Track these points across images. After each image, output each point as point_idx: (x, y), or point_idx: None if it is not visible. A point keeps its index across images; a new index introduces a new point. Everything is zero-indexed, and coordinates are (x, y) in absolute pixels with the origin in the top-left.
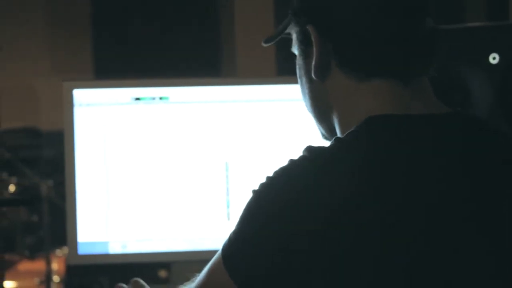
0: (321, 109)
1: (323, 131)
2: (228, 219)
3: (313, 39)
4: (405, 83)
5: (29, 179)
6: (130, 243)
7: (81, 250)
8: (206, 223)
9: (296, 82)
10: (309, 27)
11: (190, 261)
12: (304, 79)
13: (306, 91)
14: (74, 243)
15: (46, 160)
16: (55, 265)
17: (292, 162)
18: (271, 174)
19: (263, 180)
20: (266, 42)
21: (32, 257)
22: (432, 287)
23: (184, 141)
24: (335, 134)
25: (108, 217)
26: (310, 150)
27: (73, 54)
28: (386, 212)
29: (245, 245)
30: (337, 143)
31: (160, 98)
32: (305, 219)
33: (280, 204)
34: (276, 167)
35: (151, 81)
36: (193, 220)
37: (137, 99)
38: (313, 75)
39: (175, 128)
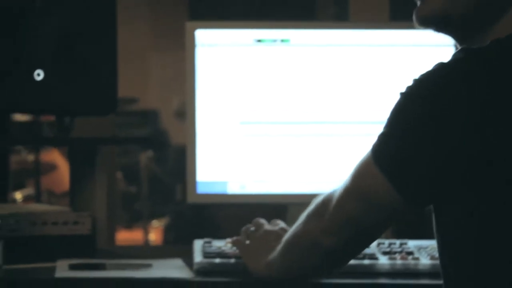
0: (493, 4)
1: (460, 18)
2: (345, 162)
3: None
4: None
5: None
6: (249, 183)
7: (200, 189)
8: (323, 166)
9: (410, 27)
10: None
11: (307, 204)
12: None
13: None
14: (193, 182)
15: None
16: (152, 235)
17: (442, 63)
18: (417, 77)
19: (410, 82)
20: None
21: (129, 227)
22: None
23: (303, 83)
24: (474, 30)
25: (227, 158)
26: (464, 52)
27: None
28: None
29: (396, 143)
30: (497, 46)
31: (282, 41)
32: (453, 119)
33: (428, 105)
34: (424, 70)
35: (272, 23)
36: (311, 162)
37: (259, 41)
38: None
39: (295, 70)
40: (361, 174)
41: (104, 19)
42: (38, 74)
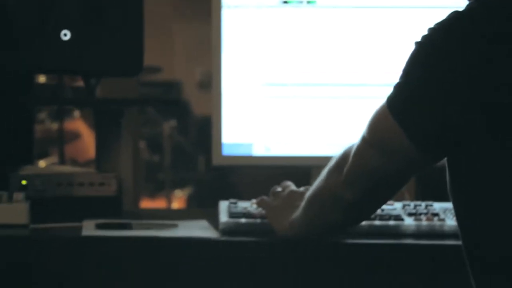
0: None
1: None
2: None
3: None
4: None
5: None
6: (274, 146)
7: (226, 151)
8: (347, 128)
9: None
10: None
11: None
12: None
13: None
14: (218, 144)
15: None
16: (175, 205)
17: (457, 12)
18: (432, 26)
19: (425, 32)
20: None
21: (152, 196)
22: None
23: (328, 45)
24: None
25: (252, 120)
26: (479, 1)
27: None
28: None
29: (409, 92)
30: None
31: (308, 2)
32: (466, 70)
33: (442, 53)
34: (438, 19)
35: None
36: (335, 124)
37: (285, 2)
38: None
39: (321, 32)
40: (376, 124)
41: None
42: (65, 35)
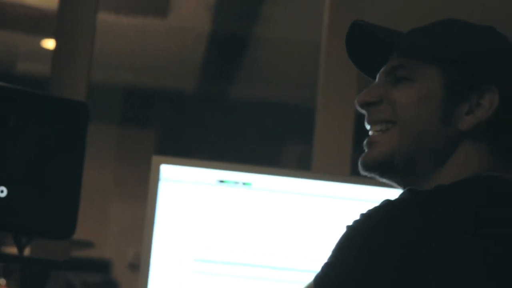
0: (436, 153)
1: (405, 164)
2: None
3: (488, 99)
4: None
5: None
6: None
7: None
8: None
9: (369, 184)
10: (493, 88)
11: None
12: (437, 114)
13: (430, 129)
14: None
15: None
16: None
17: (389, 201)
18: (365, 212)
19: (357, 217)
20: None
21: None
22: None
23: (261, 227)
24: (417, 175)
25: None
26: (412, 191)
27: None
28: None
29: (338, 276)
30: (442, 190)
31: (244, 184)
32: (400, 256)
33: (375, 240)
34: (371, 206)
35: (236, 165)
36: None
37: (221, 181)
38: (464, 125)
39: (255, 214)
40: None
41: (74, 146)
42: (2, 191)
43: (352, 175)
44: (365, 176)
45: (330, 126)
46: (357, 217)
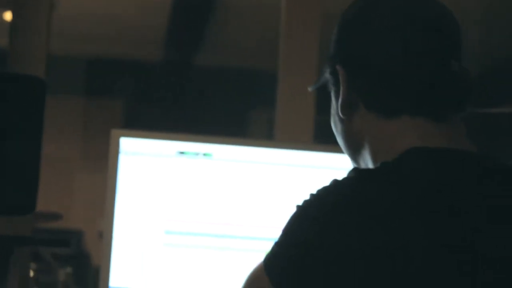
0: (353, 147)
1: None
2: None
3: (340, 78)
4: (435, 121)
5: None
6: None
7: None
8: (234, 282)
9: (332, 151)
10: (338, 67)
11: None
12: (336, 118)
13: (338, 130)
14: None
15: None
16: None
17: (336, 181)
18: (314, 192)
19: (307, 197)
20: (311, 87)
21: None
22: None
23: (222, 197)
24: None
25: (143, 268)
26: (356, 170)
27: None
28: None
29: (284, 253)
30: (383, 167)
31: (204, 154)
32: (344, 237)
33: (322, 219)
34: (320, 186)
35: (195, 136)
36: (222, 277)
37: (181, 153)
38: (340, 113)
39: (216, 185)
40: (252, 279)
41: (31, 123)
42: None
43: (315, 142)
44: (327, 143)
45: (292, 92)
46: (307, 197)
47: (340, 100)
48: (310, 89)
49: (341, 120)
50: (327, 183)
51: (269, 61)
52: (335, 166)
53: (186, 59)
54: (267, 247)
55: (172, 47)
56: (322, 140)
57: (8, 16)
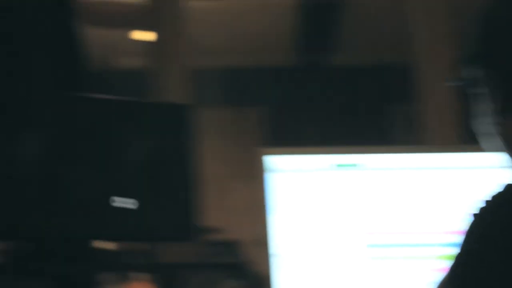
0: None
1: None
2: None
3: (494, 83)
4: None
5: None
6: None
7: None
8: None
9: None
10: (491, 71)
11: None
12: (491, 120)
13: (497, 131)
14: None
15: None
16: None
17: (510, 187)
18: (489, 198)
19: (482, 204)
20: (451, 81)
21: None
22: None
23: (388, 207)
24: None
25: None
26: None
27: None
28: None
29: (472, 265)
30: None
31: (354, 166)
32: None
33: (500, 228)
34: (494, 192)
35: (343, 148)
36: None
37: (339, 166)
38: (496, 117)
39: (371, 195)
40: None
41: (184, 148)
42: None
43: (460, 134)
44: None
45: (432, 87)
46: (481, 204)
47: (495, 104)
48: (450, 84)
49: (499, 122)
50: (497, 187)
51: (402, 57)
52: (484, 165)
53: (317, 61)
54: (427, 252)
55: (304, 50)
56: (468, 134)
57: (148, 36)
